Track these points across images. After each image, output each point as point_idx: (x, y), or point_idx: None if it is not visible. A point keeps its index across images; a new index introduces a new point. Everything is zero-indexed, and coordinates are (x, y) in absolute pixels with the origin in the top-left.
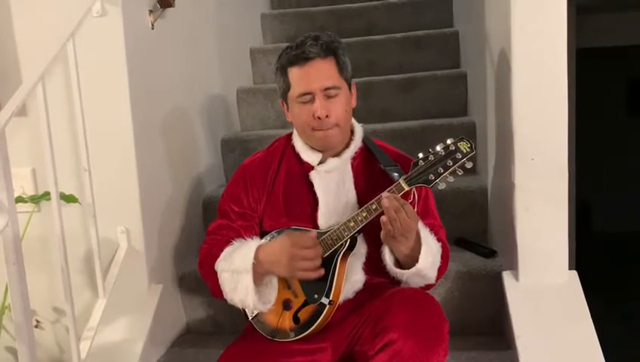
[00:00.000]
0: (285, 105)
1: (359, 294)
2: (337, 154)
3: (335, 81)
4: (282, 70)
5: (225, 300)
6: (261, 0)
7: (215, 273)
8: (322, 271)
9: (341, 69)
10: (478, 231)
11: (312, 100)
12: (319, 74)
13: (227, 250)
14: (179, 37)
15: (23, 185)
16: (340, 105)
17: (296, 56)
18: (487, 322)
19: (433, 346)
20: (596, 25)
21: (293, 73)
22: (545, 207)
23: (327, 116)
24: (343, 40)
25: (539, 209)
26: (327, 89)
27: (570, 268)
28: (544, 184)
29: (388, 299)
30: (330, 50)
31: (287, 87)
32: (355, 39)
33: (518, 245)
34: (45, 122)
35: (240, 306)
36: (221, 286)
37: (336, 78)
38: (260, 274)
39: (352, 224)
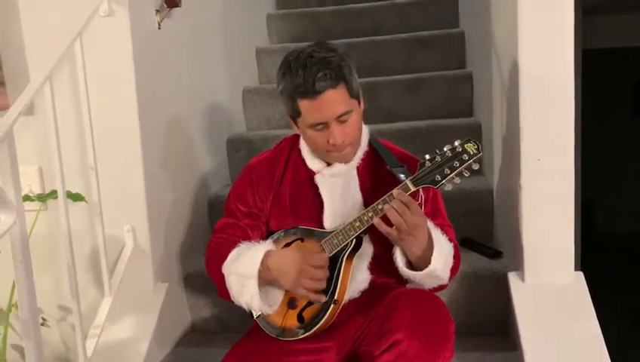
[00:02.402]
0: (293, 122)
1: (365, 294)
2: None
3: (347, 105)
4: (290, 98)
5: (231, 300)
6: (267, 0)
7: (222, 274)
8: (324, 297)
9: (351, 91)
10: (484, 232)
11: (327, 127)
12: (332, 103)
13: (234, 253)
14: (185, 37)
15: (30, 184)
16: (355, 126)
17: (305, 91)
18: (492, 323)
19: (439, 347)
20: (603, 26)
21: (304, 104)
22: (551, 208)
23: (342, 141)
24: (349, 40)
25: (545, 209)
26: (340, 115)
27: (575, 269)
28: (550, 185)
29: (394, 299)
30: (340, 77)
31: (296, 114)
32: (360, 39)
33: (523, 246)
34: (52, 121)
35: (246, 308)
36: (228, 289)
37: (347, 102)
38: (266, 280)
39: (357, 224)
